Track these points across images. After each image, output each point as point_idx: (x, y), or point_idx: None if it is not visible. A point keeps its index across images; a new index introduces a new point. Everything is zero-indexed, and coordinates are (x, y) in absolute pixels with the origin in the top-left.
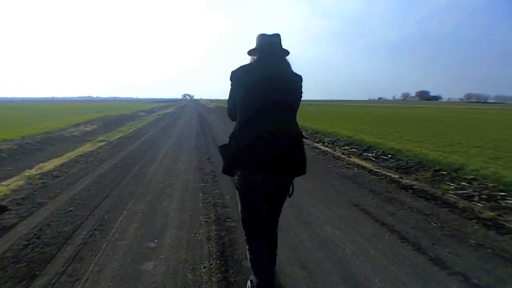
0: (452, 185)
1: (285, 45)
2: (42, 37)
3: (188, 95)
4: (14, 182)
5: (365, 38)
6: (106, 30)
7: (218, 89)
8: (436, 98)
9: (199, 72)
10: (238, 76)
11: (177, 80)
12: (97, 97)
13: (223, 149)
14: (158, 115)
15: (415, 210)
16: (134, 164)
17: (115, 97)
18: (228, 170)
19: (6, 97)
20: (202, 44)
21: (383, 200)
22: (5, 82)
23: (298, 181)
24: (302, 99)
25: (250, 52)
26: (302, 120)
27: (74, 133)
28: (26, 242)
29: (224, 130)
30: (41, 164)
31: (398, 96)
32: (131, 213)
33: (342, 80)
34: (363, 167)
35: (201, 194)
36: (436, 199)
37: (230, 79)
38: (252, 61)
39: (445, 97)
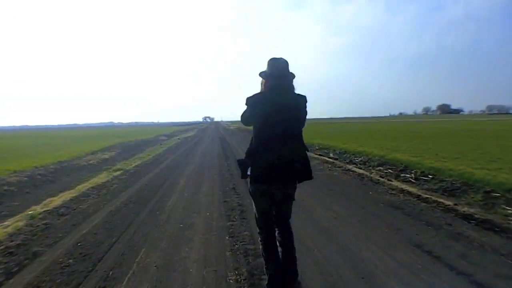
0: (510, 210)
1: (304, 64)
2: (65, 65)
3: (209, 117)
4: (15, 223)
5: (383, 54)
6: (128, 58)
7: (239, 110)
8: (458, 111)
9: (219, 94)
10: (253, 102)
11: (198, 103)
12: (118, 123)
13: (240, 162)
14: (178, 139)
15: (489, 249)
16: (150, 198)
17: (136, 122)
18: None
19: (28, 125)
20: (221, 67)
21: (447, 236)
22: (27, 110)
23: (341, 215)
24: (319, 117)
25: (261, 75)
26: (327, 139)
27: (91, 161)
28: None
29: None
30: (49, 199)
31: (419, 110)
32: (142, 267)
33: (362, 96)
34: (409, 193)
35: (227, 237)
36: (506, 231)
37: (246, 104)
38: (263, 84)
39: (467, 109)
